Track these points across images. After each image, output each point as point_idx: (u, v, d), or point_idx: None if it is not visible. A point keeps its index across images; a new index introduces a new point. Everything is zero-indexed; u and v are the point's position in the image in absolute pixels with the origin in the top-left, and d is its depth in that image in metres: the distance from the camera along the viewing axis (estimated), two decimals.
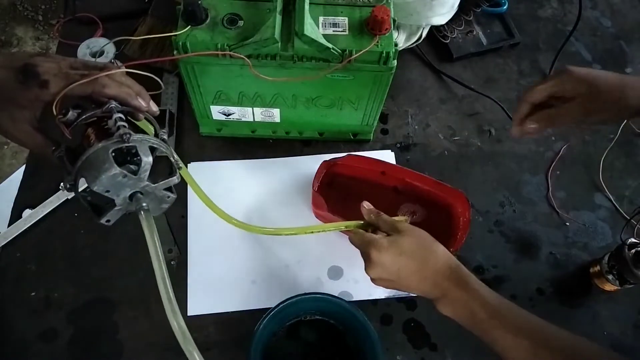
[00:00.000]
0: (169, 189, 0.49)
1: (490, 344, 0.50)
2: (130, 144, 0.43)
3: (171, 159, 0.50)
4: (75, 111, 0.46)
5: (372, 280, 0.56)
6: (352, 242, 0.57)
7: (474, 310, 0.50)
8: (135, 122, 0.50)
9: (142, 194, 0.46)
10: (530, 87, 0.60)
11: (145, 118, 0.50)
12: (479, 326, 0.50)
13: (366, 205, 0.59)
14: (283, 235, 0.63)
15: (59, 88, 0.44)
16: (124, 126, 0.44)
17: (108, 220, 0.47)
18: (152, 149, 0.47)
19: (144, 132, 0.49)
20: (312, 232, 0.61)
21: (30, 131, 0.47)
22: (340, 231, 0.67)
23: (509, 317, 0.49)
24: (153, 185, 0.46)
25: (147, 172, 0.45)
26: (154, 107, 0.51)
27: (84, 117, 0.46)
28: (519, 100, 0.61)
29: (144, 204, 0.47)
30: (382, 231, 0.57)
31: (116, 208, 0.46)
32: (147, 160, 0.44)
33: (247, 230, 0.59)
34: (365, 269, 0.55)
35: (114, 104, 0.46)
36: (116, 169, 0.42)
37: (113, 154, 0.43)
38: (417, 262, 0.53)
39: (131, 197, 0.46)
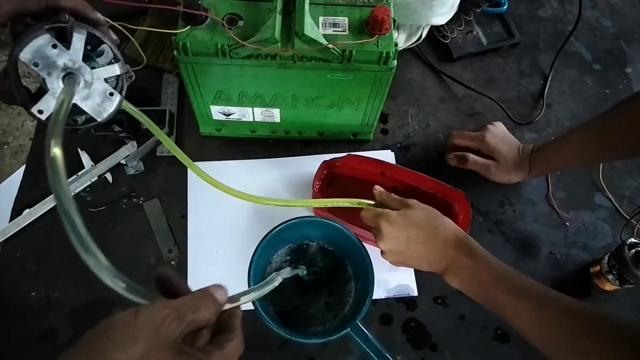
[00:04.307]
0: (114, 85, 0.47)
1: (496, 310, 0.50)
2: (67, 24, 0.42)
3: (111, 48, 0.46)
4: (28, 23, 0.44)
5: (382, 254, 0.57)
6: (363, 218, 0.59)
7: (480, 277, 0.51)
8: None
9: (78, 78, 0.44)
10: (459, 133, 0.77)
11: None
12: (485, 292, 0.51)
13: (377, 187, 0.62)
14: (298, 206, 0.64)
15: (12, 7, 0.43)
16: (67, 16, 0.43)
17: (41, 111, 0.44)
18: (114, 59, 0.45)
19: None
20: (325, 205, 0.61)
21: None
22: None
23: (515, 281, 0.50)
24: (90, 69, 0.44)
25: (81, 50, 0.43)
26: (113, 35, 0.49)
27: (34, 24, 0.44)
28: (449, 136, 0.77)
29: (76, 78, 0.43)
30: (393, 209, 0.58)
31: (49, 93, 0.44)
32: (81, 32, 0.43)
33: (251, 200, 0.58)
34: (376, 242, 0.57)
35: (67, 16, 0.43)
36: (45, 35, 0.41)
37: (49, 30, 0.42)
38: (426, 233, 0.54)
39: (67, 80, 0.43)
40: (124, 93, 0.48)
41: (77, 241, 0.32)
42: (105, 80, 0.47)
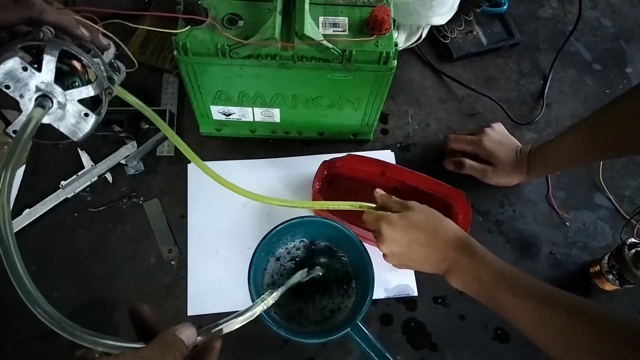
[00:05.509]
0: (88, 106, 0.45)
1: (498, 310, 0.50)
2: (42, 42, 0.41)
3: (91, 66, 0.45)
4: (15, 32, 0.43)
5: (385, 257, 0.58)
6: (364, 220, 0.59)
7: (481, 277, 0.51)
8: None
9: (51, 100, 0.43)
10: (456, 137, 0.76)
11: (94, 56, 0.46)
12: (486, 292, 0.51)
13: (378, 190, 0.62)
14: (298, 207, 0.64)
15: None
16: (45, 30, 0.42)
17: (15, 132, 0.43)
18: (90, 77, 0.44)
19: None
20: (328, 208, 0.61)
21: None
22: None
23: (515, 279, 0.50)
24: (63, 91, 0.43)
25: (52, 71, 0.42)
26: (104, 41, 0.48)
27: (17, 39, 0.42)
28: (447, 140, 0.77)
29: (47, 104, 0.42)
30: (394, 211, 0.58)
31: (22, 114, 0.43)
32: (52, 54, 0.41)
33: (254, 198, 0.58)
34: (377, 246, 0.57)
35: (50, 30, 0.42)
36: (16, 58, 0.40)
37: (22, 49, 0.41)
38: (427, 234, 0.54)
39: (38, 102, 0.42)
40: (104, 110, 0.47)
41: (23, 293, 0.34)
42: (80, 101, 0.45)
